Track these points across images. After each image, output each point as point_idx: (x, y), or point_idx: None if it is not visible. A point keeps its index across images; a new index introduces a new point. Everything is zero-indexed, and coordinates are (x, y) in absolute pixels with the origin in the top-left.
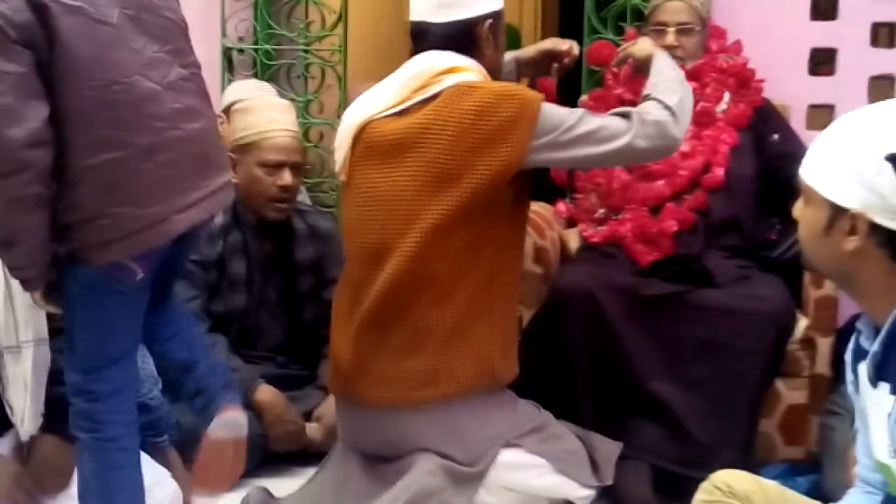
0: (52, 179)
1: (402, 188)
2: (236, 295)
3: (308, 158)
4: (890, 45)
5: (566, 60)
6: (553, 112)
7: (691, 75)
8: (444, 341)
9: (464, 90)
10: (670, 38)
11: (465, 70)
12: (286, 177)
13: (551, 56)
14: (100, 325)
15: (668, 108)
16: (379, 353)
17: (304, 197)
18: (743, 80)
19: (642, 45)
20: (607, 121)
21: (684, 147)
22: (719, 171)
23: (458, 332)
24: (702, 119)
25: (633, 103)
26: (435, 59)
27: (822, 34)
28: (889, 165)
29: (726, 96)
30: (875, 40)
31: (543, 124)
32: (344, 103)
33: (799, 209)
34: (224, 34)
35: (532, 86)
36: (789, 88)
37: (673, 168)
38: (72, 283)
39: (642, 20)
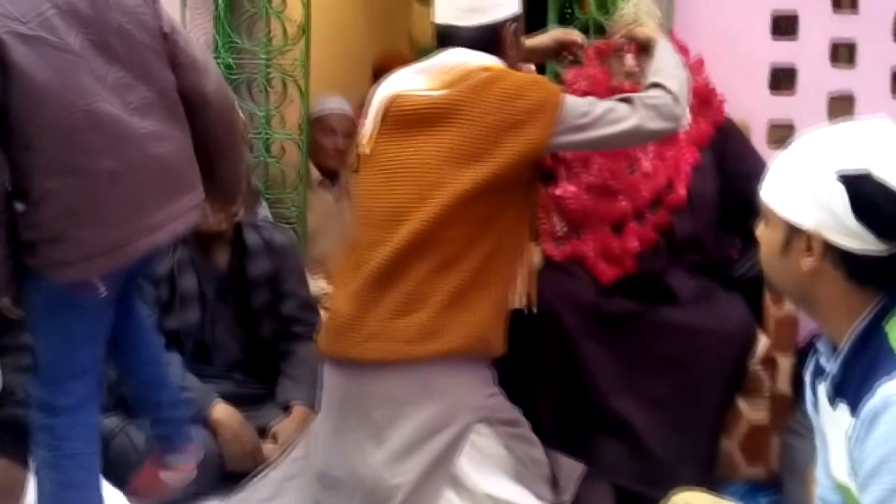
0: (16, 199)
1: (428, 158)
2: (189, 311)
3: (269, 173)
4: (849, 63)
5: (578, 52)
6: (573, 100)
7: None
8: (445, 303)
9: (496, 75)
10: (630, 62)
11: (496, 69)
12: None
13: (563, 46)
14: (62, 337)
15: (670, 92)
16: (378, 310)
17: (265, 211)
18: (704, 99)
19: (644, 28)
20: (614, 105)
21: (646, 167)
22: (682, 191)
23: (459, 296)
24: (664, 138)
25: None
26: (468, 57)
27: (783, 52)
28: (841, 185)
29: (687, 115)
30: (835, 58)
31: (566, 112)
32: (306, 116)
33: (760, 229)
34: None
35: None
36: (749, 106)
37: (635, 187)
38: (34, 295)
39: (604, 35)
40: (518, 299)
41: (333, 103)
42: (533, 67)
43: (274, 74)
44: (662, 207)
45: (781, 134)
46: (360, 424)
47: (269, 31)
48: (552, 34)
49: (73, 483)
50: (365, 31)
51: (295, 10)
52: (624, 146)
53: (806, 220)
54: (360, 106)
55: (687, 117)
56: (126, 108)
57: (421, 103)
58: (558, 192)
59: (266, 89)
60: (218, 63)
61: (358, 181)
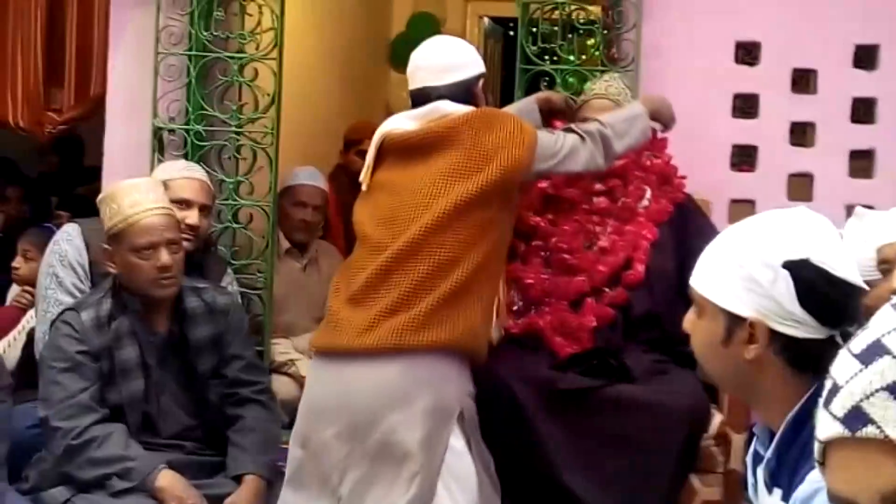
0: None
1: (425, 179)
2: (132, 381)
3: (236, 240)
4: (809, 143)
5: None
6: (544, 135)
7: (616, 174)
8: (438, 302)
9: (481, 110)
10: None
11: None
12: (163, 257)
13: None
14: None
15: (603, 125)
16: (374, 308)
17: (231, 279)
18: (665, 177)
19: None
20: (574, 143)
21: (604, 242)
22: (640, 268)
23: (452, 297)
24: (623, 215)
25: None
26: (451, 107)
27: (743, 132)
28: (786, 272)
29: (648, 192)
30: (794, 139)
31: (540, 142)
32: (275, 185)
33: (691, 321)
34: (155, 114)
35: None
36: (711, 184)
37: (592, 264)
38: None
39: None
40: (495, 328)
41: (305, 175)
42: None
43: (244, 143)
44: (620, 284)
45: (742, 211)
46: (345, 418)
47: (241, 101)
48: (562, 95)
49: None
50: (339, 100)
51: (266, 80)
52: (579, 170)
53: (747, 309)
54: (332, 175)
55: (620, 151)
56: None
57: (414, 134)
58: (517, 269)
59: (236, 157)
60: (188, 131)
61: (358, 209)
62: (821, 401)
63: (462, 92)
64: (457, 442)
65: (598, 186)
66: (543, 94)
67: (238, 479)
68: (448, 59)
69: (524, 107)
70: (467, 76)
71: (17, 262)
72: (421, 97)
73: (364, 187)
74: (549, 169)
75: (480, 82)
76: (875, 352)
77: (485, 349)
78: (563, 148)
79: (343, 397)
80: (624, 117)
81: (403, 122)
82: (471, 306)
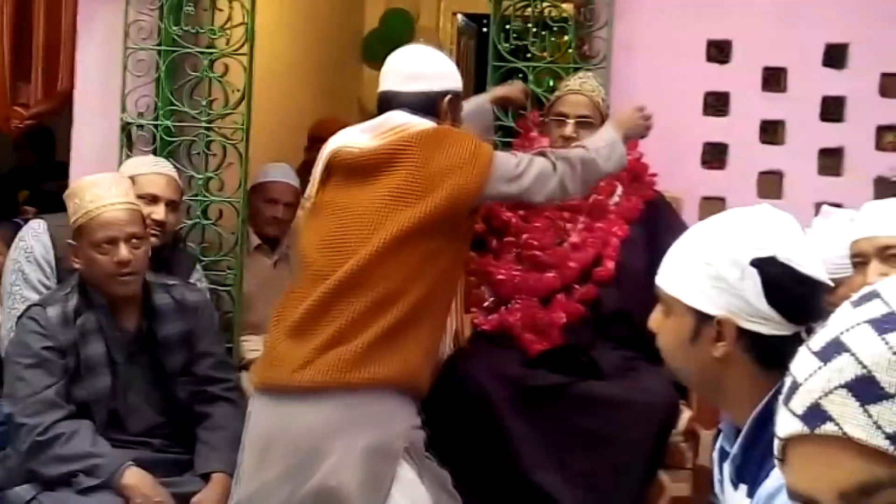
0: None
1: (370, 202)
2: (98, 378)
3: (206, 237)
4: (779, 141)
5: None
6: (504, 157)
7: None
8: (377, 337)
9: (433, 128)
10: (569, 130)
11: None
12: (121, 252)
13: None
14: None
15: (589, 150)
16: (312, 341)
17: (199, 276)
18: (636, 174)
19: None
20: (542, 170)
21: (575, 239)
22: (609, 265)
23: (391, 333)
24: (594, 211)
25: None
26: (409, 119)
27: (714, 130)
28: (754, 270)
29: (619, 189)
30: (765, 136)
31: (496, 166)
32: (245, 181)
33: (658, 320)
34: (124, 109)
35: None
36: (683, 181)
37: (563, 260)
38: None
39: (542, 107)
40: (447, 347)
41: (277, 172)
42: None
43: (214, 139)
44: (590, 281)
45: (713, 209)
46: (285, 458)
47: (210, 96)
48: (521, 86)
49: None
50: (310, 96)
51: (237, 75)
52: (545, 200)
53: (715, 307)
54: (301, 171)
55: (603, 175)
56: None
57: (362, 153)
58: (489, 264)
59: (205, 153)
60: (157, 126)
61: (303, 230)
62: (781, 398)
63: (424, 104)
64: (406, 473)
65: None
66: (500, 91)
67: (206, 477)
68: (418, 67)
69: (478, 107)
70: (433, 89)
71: None
72: (384, 101)
73: (308, 204)
74: (508, 196)
75: (448, 98)
76: (834, 349)
77: (425, 386)
78: (526, 174)
79: (282, 436)
80: (604, 142)
81: (355, 136)
82: (412, 341)
